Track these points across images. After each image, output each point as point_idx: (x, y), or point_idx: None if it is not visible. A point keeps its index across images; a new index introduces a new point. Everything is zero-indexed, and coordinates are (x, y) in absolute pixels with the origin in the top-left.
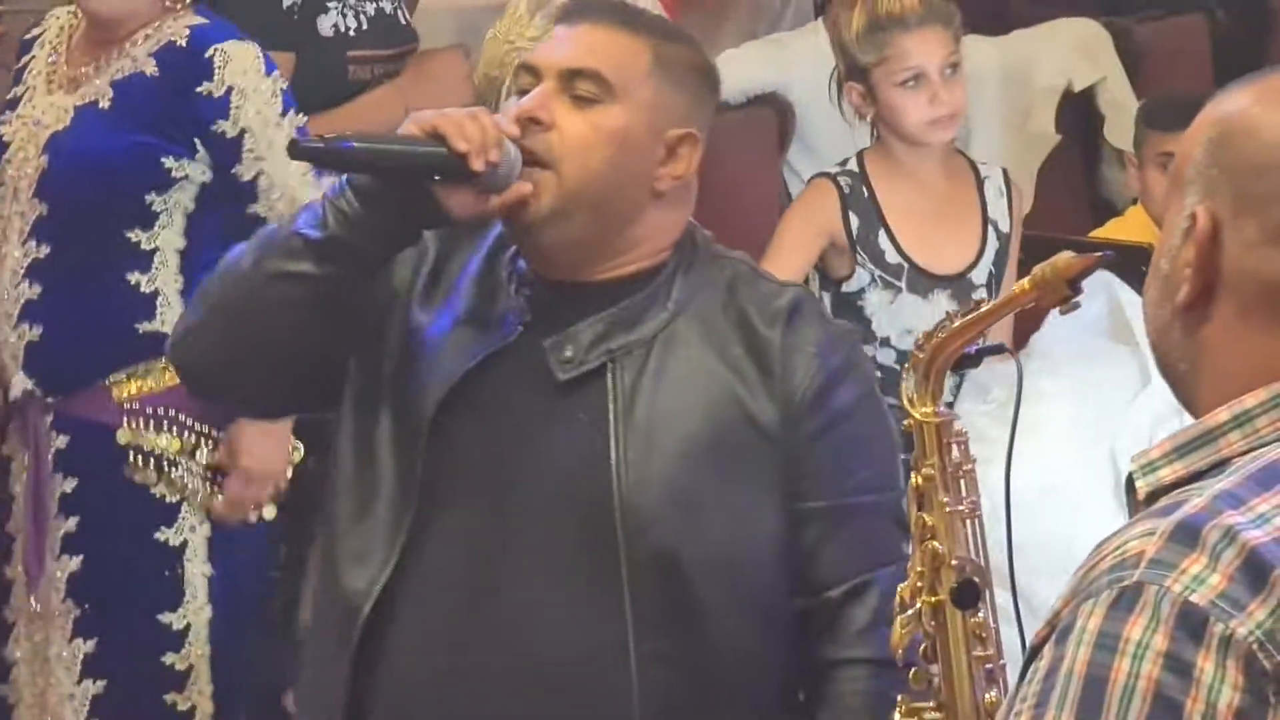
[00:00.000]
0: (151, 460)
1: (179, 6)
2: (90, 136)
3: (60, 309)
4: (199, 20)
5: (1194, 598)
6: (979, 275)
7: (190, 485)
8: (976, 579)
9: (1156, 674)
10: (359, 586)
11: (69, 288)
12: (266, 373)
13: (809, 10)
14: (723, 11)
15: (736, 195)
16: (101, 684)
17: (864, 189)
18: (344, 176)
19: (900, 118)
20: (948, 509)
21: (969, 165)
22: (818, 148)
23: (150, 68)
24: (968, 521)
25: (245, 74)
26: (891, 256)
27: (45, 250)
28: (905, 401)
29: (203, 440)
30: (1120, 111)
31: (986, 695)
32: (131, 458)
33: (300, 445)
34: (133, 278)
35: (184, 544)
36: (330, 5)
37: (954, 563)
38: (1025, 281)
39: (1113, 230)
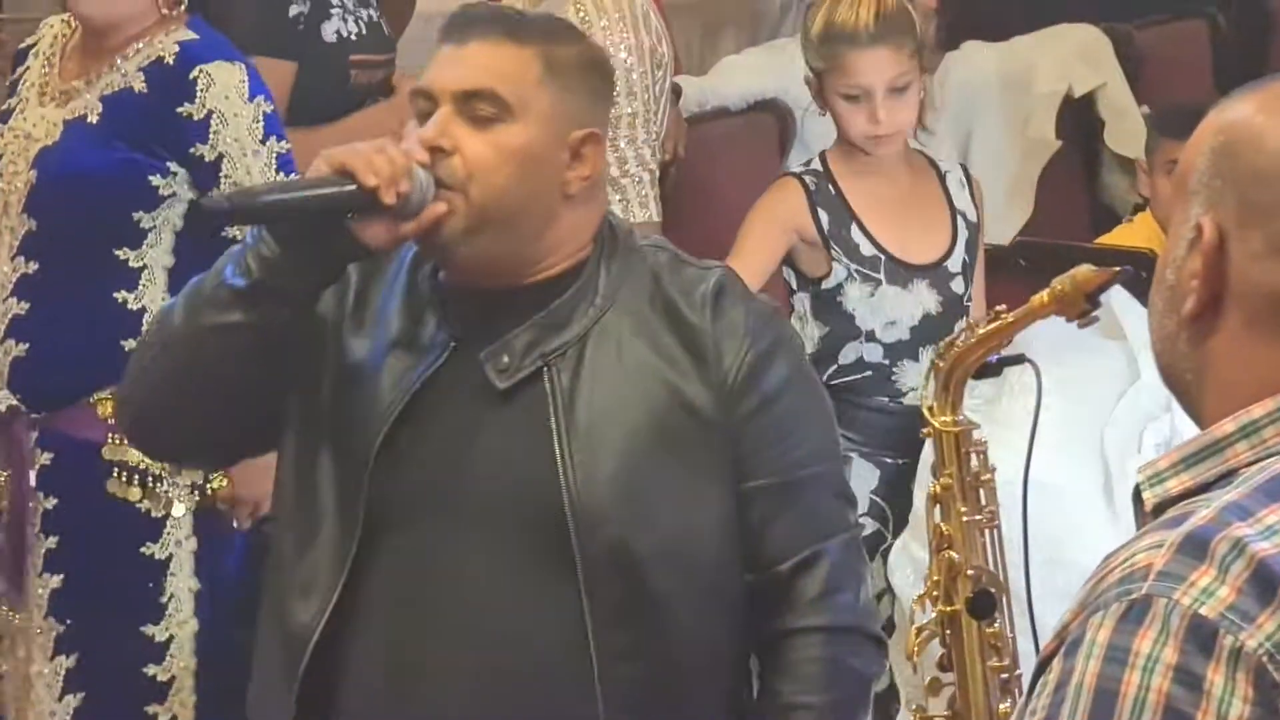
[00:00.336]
0: (136, 476)
1: (174, 14)
2: (78, 153)
3: (47, 326)
4: (190, 36)
5: (1203, 610)
6: (954, 264)
7: (174, 500)
8: (992, 589)
9: (1167, 687)
10: (304, 620)
11: (56, 304)
12: (214, 426)
13: None
14: (722, 19)
15: (737, 200)
16: (81, 696)
17: (830, 186)
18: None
19: (843, 126)
20: (965, 518)
21: (929, 161)
22: (818, 152)
23: (139, 84)
24: (985, 531)
25: (227, 98)
26: (867, 249)
27: (34, 266)
28: (924, 410)
29: None
30: (1121, 117)
31: (1001, 705)
32: (115, 473)
33: None
34: (120, 295)
35: (169, 558)
36: (333, 11)
37: (970, 572)
38: (1045, 294)
39: (1119, 236)
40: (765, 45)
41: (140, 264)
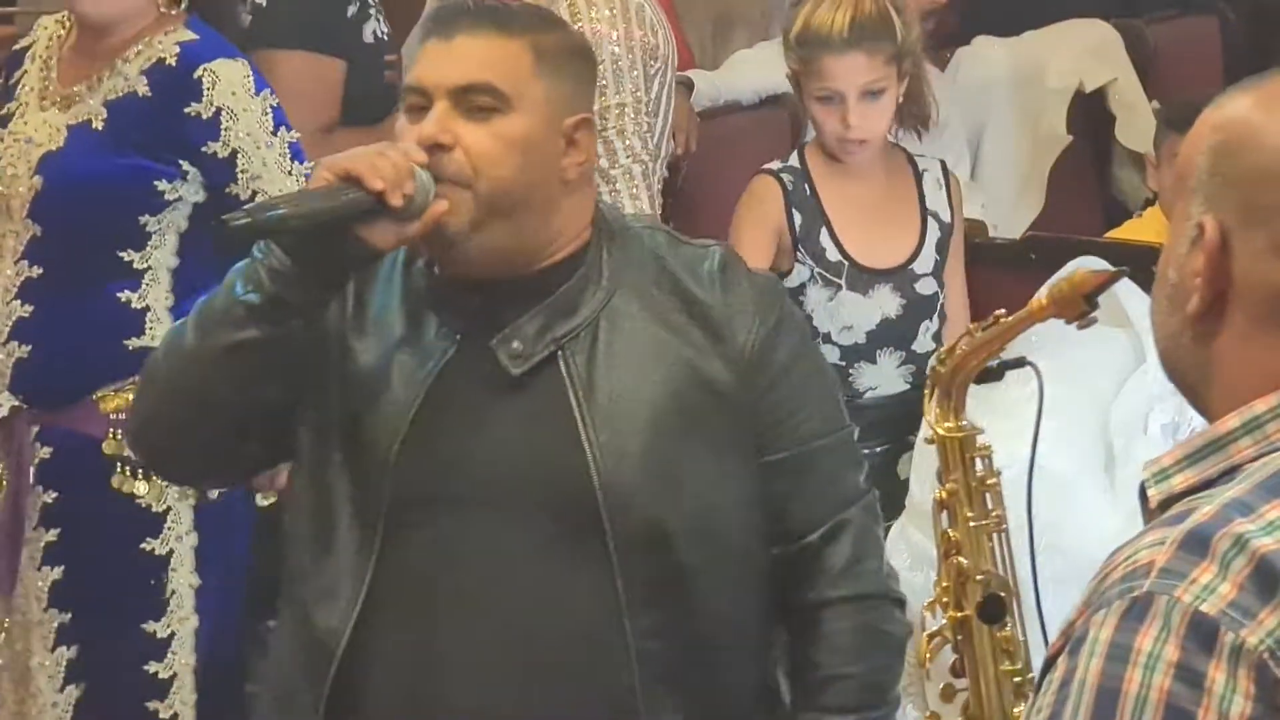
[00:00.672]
0: (140, 470)
1: (173, 13)
2: (85, 158)
3: (50, 327)
4: (189, 36)
5: (1204, 607)
6: (922, 265)
7: (177, 493)
8: (1002, 593)
9: (1168, 685)
10: (329, 624)
11: (59, 306)
12: (232, 445)
13: None
14: (734, 14)
15: None
16: (82, 688)
17: (806, 185)
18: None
19: (817, 127)
20: (972, 524)
21: (907, 159)
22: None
23: (142, 88)
24: (993, 535)
25: (234, 94)
26: (832, 254)
27: (38, 271)
28: (927, 416)
29: None
30: (1131, 112)
31: (1015, 709)
32: (119, 469)
33: None
34: (123, 295)
35: (170, 553)
36: (370, 11)
37: (979, 578)
38: (1043, 297)
39: (1129, 231)
40: (777, 40)
41: (145, 265)
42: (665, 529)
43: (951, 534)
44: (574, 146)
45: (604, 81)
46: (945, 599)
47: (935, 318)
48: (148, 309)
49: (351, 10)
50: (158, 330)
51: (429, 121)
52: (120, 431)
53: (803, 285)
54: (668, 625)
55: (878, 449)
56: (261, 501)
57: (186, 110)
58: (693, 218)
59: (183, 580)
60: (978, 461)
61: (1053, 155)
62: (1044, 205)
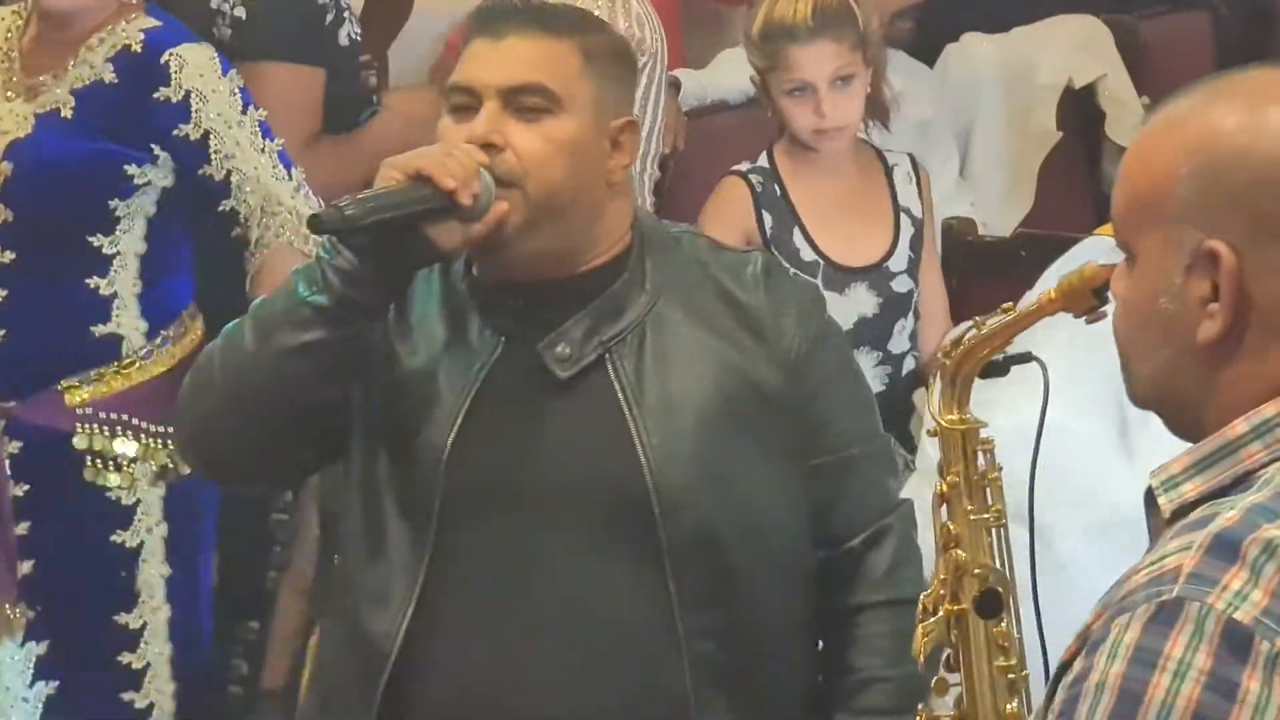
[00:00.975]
0: (110, 462)
1: (133, 1)
2: (54, 144)
3: (22, 313)
4: (152, 23)
5: (1238, 615)
6: (896, 263)
7: (146, 483)
8: (1000, 588)
9: (1198, 694)
10: (381, 628)
11: (31, 292)
12: (289, 446)
13: None
14: (724, 14)
15: None
16: (54, 685)
17: (775, 186)
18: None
19: (789, 123)
20: (971, 517)
21: (876, 155)
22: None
23: (109, 75)
24: (992, 530)
25: (202, 76)
26: (807, 254)
27: (10, 256)
28: (930, 408)
29: (158, 441)
30: (1122, 108)
31: (1008, 705)
32: (90, 461)
33: None
34: (92, 281)
35: (140, 545)
36: (345, 15)
37: (977, 571)
38: (1052, 290)
39: None
40: None
41: (113, 250)
42: (716, 530)
43: (950, 527)
44: (619, 149)
45: None
46: (942, 592)
47: (910, 316)
48: (115, 295)
49: (329, 17)
50: (124, 317)
51: (480, 121)
52: (88, 425)
53: None
54: (719, 626)
55: None
56: None
57: (155, 95)
58: (678, 217)
59: (153, 571)
60: (979, 454)
61: (1043, 152)
62: (1034, 202)
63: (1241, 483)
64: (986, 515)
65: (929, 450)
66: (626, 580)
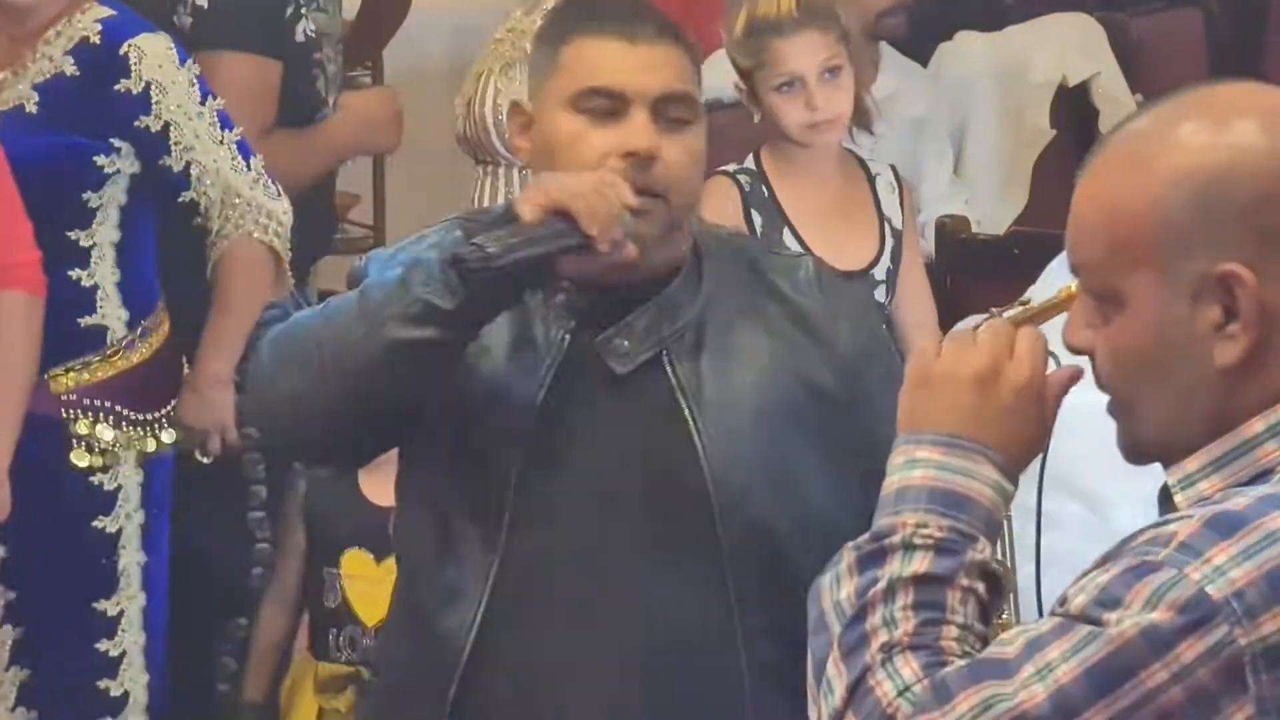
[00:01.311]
0: (95, 445)
1: None
2: (23, 140)
3: None
4: (106, 12)
5: (1210, 589)
6: (879, 272)
7: (128, 469)
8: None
9: (1132, 634)
10: (452, 625)
11: None
12: (365, 433)
13: None
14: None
15: None
16: (27, 672)
17: (764, 188)
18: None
19: (780, 121)
20: None
21: (859, 163)
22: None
23: (70, 68)
24: None
25: (161, 68)
26: None
27: None
28: None
29: (141, 429)
30: (1115, 106)
31: None
32: (75, 445)
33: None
34: (74, 274)
35: (119, 531)
36: (303, 11)
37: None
38: (1072, 285)
39: None
40: None
41: (90, 243)
42: (775, 529)
43: None
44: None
45: None
46: None
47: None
48: (97, 286)
49: (289, 10)
50: (107, 308)
51: (639, 134)
52: (72, 411)
53: None
54: (778, 626)
55: None
56: (201, 458)
57: (116, 87)
58: None
59: (131, 558)
60: None
61: (1036, 150)
62: (1028, 200)
63: (1258, 480)
64: None
65: None
66: (686, 578)
